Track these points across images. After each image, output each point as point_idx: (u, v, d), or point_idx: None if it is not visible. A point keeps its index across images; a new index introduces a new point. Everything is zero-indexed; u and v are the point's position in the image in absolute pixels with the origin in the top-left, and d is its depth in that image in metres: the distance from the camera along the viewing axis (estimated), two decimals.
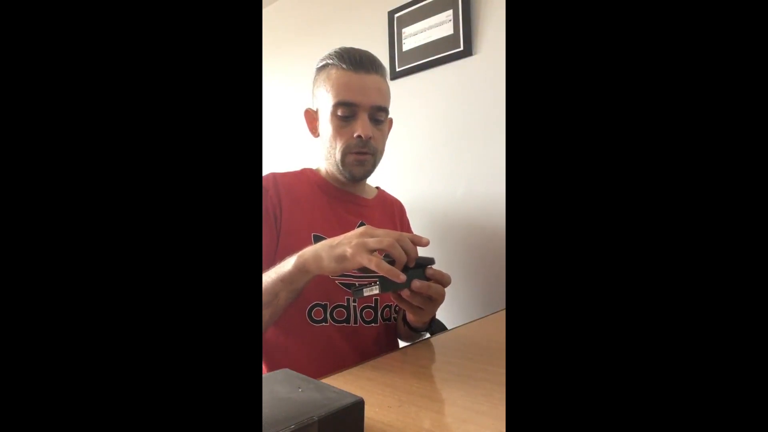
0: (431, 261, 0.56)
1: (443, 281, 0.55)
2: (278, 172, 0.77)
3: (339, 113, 0.73)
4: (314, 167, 0.84)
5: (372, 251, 0.51)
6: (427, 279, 0.55)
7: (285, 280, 0.57)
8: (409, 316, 0.66)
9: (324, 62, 0.76)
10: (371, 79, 0.73)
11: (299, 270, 0.56)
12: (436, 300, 0.56)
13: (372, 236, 0.52)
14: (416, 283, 0.52)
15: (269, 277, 0.59)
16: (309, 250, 0.56)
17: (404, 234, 0.53)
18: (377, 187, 0.91)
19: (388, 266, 0.49)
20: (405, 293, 0.54)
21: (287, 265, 0.58)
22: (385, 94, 0.76)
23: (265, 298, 0.59)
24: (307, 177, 0.80)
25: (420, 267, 0.55)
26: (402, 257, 0.51)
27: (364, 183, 0.85)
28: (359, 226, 0.77)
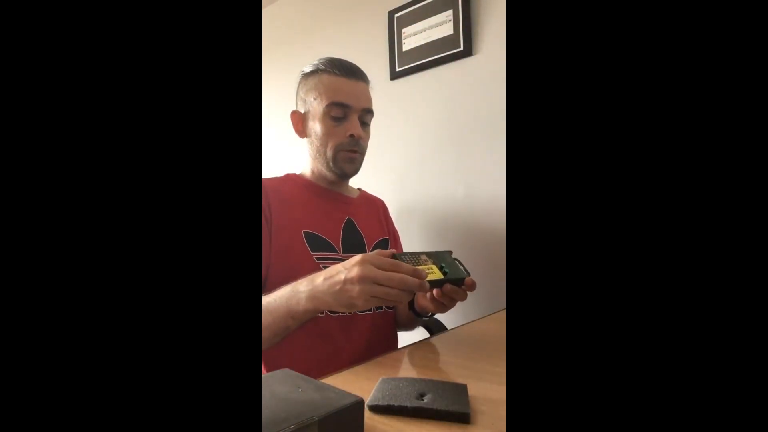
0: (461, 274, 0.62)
1: (471, 289, 0.62)
2: (263, 178, 0.80)
3: (332, 114, 0.78)
4: (298, 172, 0.88)
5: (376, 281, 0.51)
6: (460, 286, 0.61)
7: (296, 318, 0.60)
8: (427, 305, 0.68)
9: (313, 68, 0.81)
10: (360, 86, 0.81)
11: (311, 312, 0.58)
12: (456, 301, 0.63)
13: (374, 275, 0.50)
14: (447, 287, 0.59)
15: (278, 310, 0.60)
16: (317, 293, 0.55)
17: (404, 276, 0.51)
18: (359, 189, 0.96)
19: (400, 297, 0.52)
20: (437, 293, 0.61)
21: (298, 303, 0.58)
22: (371, 100, 0.84)
23: (275, 328, 0.61)
24: (292, 180, 0.85)
25: (460, 279, 0.60)
26: (404, 299, 0.53)
27: (348, 183, 0.89)
28: (346, 222, 0.82)
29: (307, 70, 0.82)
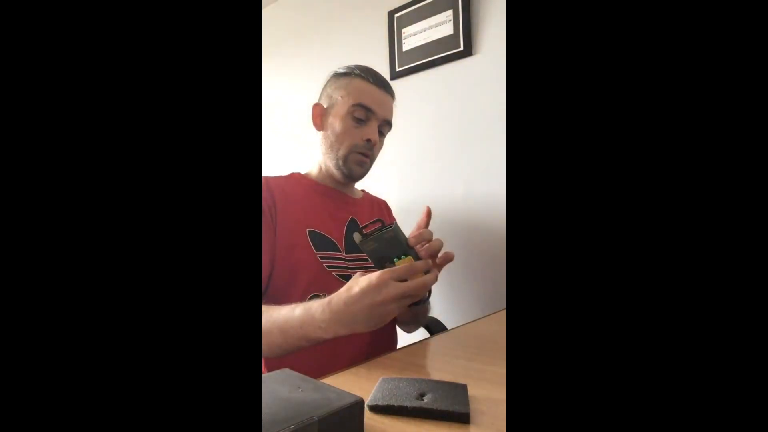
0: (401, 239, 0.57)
1: (430, 241, 0.60)
2: (268, 175, 0.81)
3: (355, 114, 0.80)
4: (303, 172, 0.89)
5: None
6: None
7: (311, 340, 0.56)
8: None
9: (347, 71, 0.83)
10: (388, 98, 0.84)
11: (328, 335, 0.54)
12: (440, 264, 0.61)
13: (403, 291, 0.50)
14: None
15: (292, 329, 0.56)
16: (341, 317, 0.52)
17: (413, 266, 0.52)
18: (362, 190, 0.97)
19: (421, 285, 0.51)
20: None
21: (315, 331, 0.54)
22: (393, 114, 0.86)
23: (287, 347, 0.58)
24: (297, 179, 0.85)
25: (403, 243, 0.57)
26: (424, 285, 0.52)
27: (353, 184, 0.90)
28: (349, 222, 0.82)
29: (341, 71, 0.85)
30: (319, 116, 0.85)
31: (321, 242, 0.76)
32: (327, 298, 0.54)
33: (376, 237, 0.57)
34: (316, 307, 0.54)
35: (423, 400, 0.38)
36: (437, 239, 0.60)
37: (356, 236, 0.59)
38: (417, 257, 0.57)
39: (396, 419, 0.37)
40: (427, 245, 0.59)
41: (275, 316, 0.59)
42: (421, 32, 1.20)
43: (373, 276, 0.51)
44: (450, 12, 1.13)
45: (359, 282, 0.51)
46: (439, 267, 0.62)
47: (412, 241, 0.59)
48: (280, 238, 0.73)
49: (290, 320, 0.57)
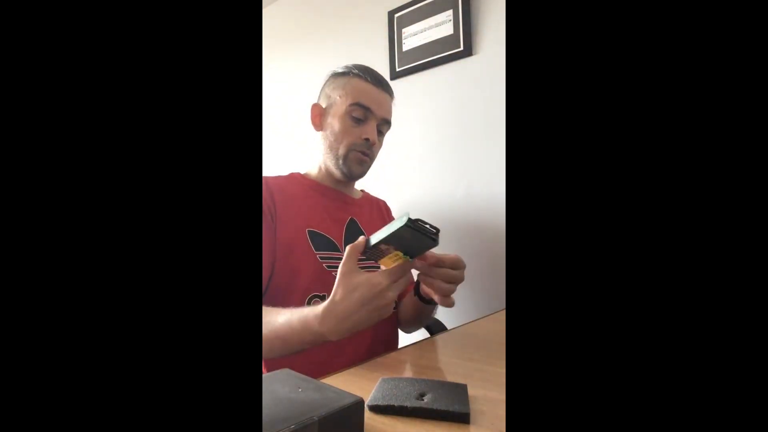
0: (434, 241, 0.53)
1: (457, 266, 0.58)
2: (268, 176, 0.81)
3: (353, 114, 0.81)
4: (303, 172, 0.89)
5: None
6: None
7: (306, 343, 0.56)
8: (428, 291, 0.66)
9: (345, 70, 0.84)
10: (386, 96, 0.84)
11: (333, 338, 0.53)
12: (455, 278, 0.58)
13: (382, 293, 0.50)
14: (438, 272, 0.56)
15: (292, 332, 0.56)
16: (341, 327, 0.52)
17: (405, 265, 0.52)
18: (362, 190, 0.97)
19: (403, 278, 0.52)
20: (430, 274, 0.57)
21: (314, 341, 0.55)
22: (392, 113, 0.87)
23: (286, 353, 0.58)
24: (296, 179, 0.86)
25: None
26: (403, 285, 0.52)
27: (352, 185, 0.91)
28: (349, 222, 0.83)
29: (339, 71, 0.85)
30: (318, 116, 0.85)
31: (321, 242, 0.77)
32: (320, 309, 0.53)
33: (420, 233, 0.52)
34: (311, 319, 0.53)
35: (423, 400, 0.38)
36: (452, 286, 0.58)
37: (409, 215, 0.53)
38: (411, 259, 0.54)
39: (396, 419, 0.37)
40: (444, 272, 0.57)
41: (273, 323, 0.58)
42: (421, 32, 1.20)
43: (374, 281, 0.50)
44: (450, 12, 1.13)
45: (359, 287, 0.50)
46: (436, 298, 0.60)
47: (433, 259, 0.56)
48: (280, 239, 0.73)
49: (290, 333, 0.56)
